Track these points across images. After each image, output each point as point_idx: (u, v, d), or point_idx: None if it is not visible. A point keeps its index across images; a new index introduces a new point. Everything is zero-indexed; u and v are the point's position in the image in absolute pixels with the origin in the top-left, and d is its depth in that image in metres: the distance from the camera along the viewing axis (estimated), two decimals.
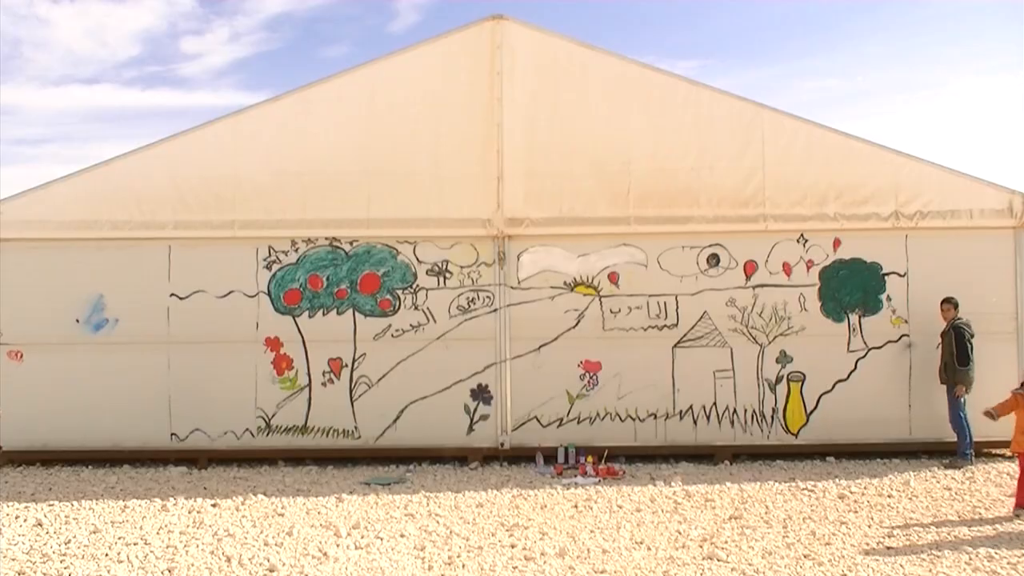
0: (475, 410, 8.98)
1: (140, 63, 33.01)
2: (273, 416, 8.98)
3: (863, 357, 8.96)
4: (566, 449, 8.67)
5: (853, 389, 8.91)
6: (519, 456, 8.84)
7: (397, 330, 8.98)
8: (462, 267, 9.01)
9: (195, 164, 8.99)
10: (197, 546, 5.98)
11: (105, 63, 33.53)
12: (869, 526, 6.32)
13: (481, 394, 8.97)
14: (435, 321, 8.97)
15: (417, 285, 9.01)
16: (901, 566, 5.37)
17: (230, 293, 8.99)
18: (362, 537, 6.17)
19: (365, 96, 9.05)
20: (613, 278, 9.01)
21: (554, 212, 8.97)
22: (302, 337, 8.99)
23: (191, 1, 31.05)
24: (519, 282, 9.00)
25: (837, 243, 9.00)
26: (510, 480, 8.18)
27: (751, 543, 5.88)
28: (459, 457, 8.96)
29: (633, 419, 8.92)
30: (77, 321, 8.94)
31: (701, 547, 5.81)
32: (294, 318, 9.02)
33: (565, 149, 8.99)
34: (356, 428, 8.97)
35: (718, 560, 5.51)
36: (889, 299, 9.00)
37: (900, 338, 8.95)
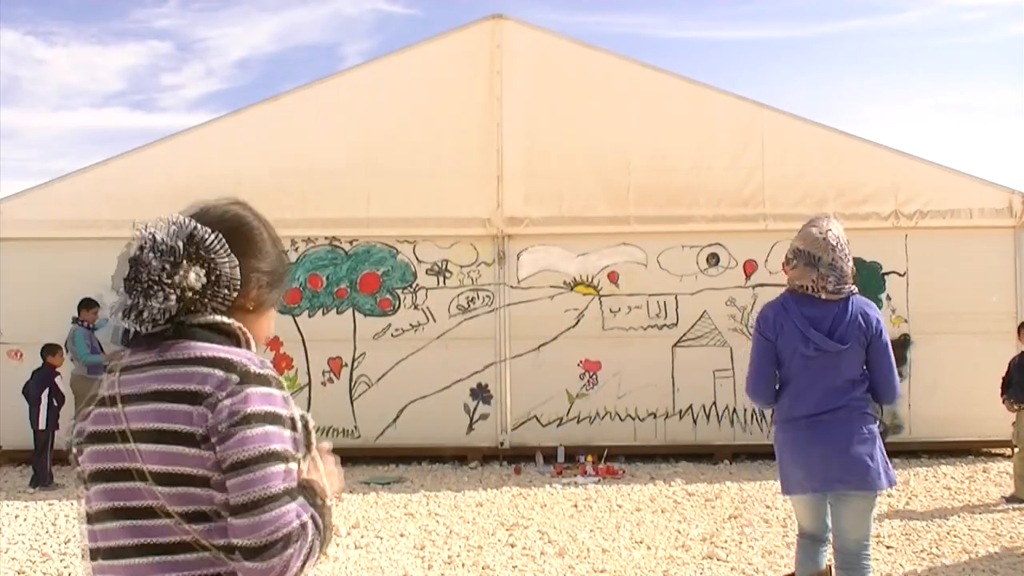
0: (475, 409, 8.98)
1: (124, 94, 36.36)
2: None
3: None
4: (565, 448, 8.68)
5: None
6: (519, 455, 8.84)
7: (397, 329, 8.98)
8: (462, 266, 9.02)
9: (194, 163, 8.99)
10: None
11: (95, 95, 36.88)
12: None
13: (481, 393, 8.97)
14: (435, 320, 8.98)
15: (417, 284, 9.01)
16: (901, 566, 5.37)
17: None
18: (362, 536, 6.17)
19: (365, 96, 9.05)
20: (613, 277, 9.01)
21: (554, 211, 8.97)
22: (302, 336, 8.99)
23: (169, 46, 34.15)
24: (519, 281, 9.00)
25: None
26: (510, 479, 8.18)
27: (751, 543, 5.88)
28: (459, 456, 8.96)
29: (633, 418, 8.92)
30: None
31: (701, 546, 5.82)
32: (294, 317, 9.02)
33: (565, 148, 8.98)
34: (356, 427, 8.97)
35: (718, 560, 5.51)
36: (889, 298, 8.99)
37: (899, 337, 8.95)
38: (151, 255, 1.51)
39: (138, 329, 1.50)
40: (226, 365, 1.48)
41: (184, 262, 1.52)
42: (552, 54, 9.08)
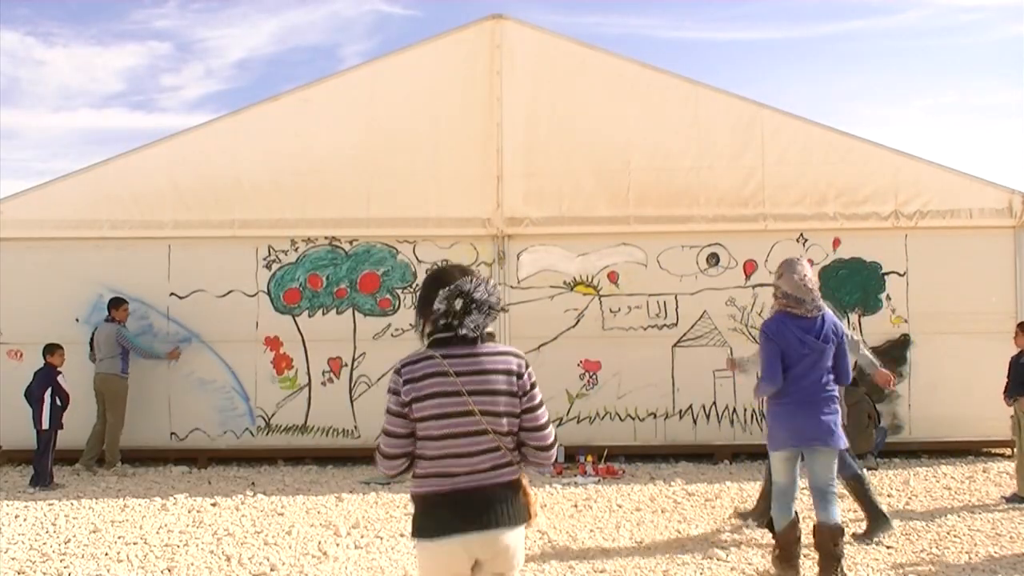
0: None
1: (124, 95, 37.66)
2: (273, 415, 8.98)
3: None
4: (565, 448, 8.67)
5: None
6: None
7: (397, 329, 8.98)
8: None
9: (194, 163, 9.00)
10: (197, 545, 5.98)
11: (95, 96, 37.38)
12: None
13: None
14: None
15: (417, 285, 9.01)
16: (901, 566, 5.37)
17: (230, 292, 8.99)
18: (362, 536, 6.17)
19: (365, 96, 9.05)
20: (612, 277, 9.01)
21: (554, 211, 8.97)
22: (302, 336, 9.00)
23: (168, 46, 35.58)
24: (519, 282, 9.00)
25: (837, 242, 9.00)
26: None
27: (751, 542, 5.88)
28: None
29: (633, 418, 8.92)
30: (77, 320, 8.94)
31: (701, 546, 5.82)
32: (294, 317, 9.03)
33: (565, 148, 8.98)
34: (356, 427, 8.97)
35: (718, 560, 5.51)
36: (889, 298, 9.00)
37: (900, 337, 8.95)
38: (487, 295, 2.79)
39: (469, 334, 2.76)
40: (519, 355, 2.85)
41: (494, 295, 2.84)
42: (552, 54, 9.08)
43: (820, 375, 4.86)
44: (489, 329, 2.84)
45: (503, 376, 2.78)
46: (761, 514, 5.95)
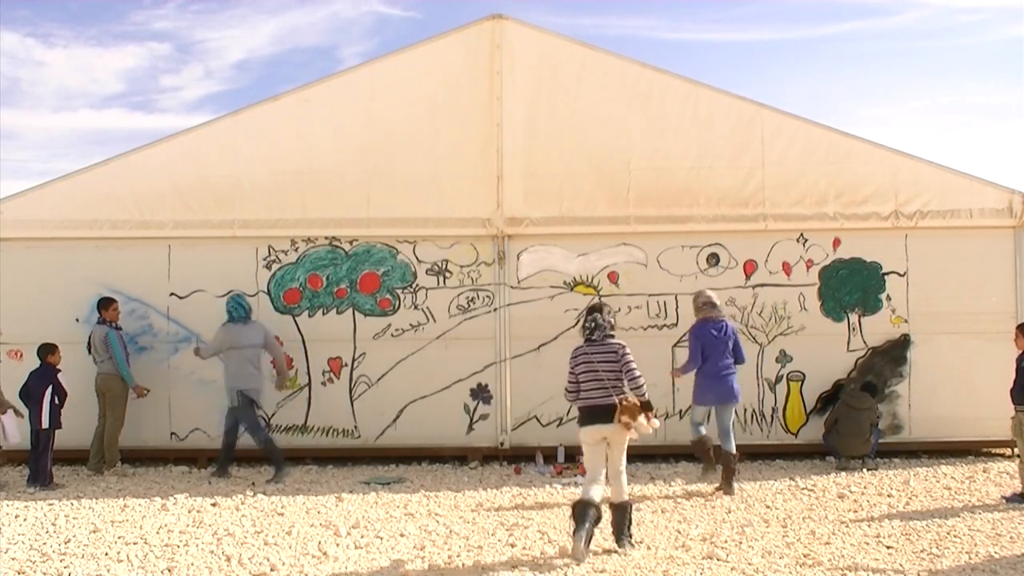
0: (475, 409, 8.98)
1: (123, 96, 37.90)
2: (273, 415, 8.99)
3: (863, 357, 8.97)
4: (565, 448, 8.67)
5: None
6: (519, 455, 8.84)
7: (397, 329, 8.98)
8: (462, 266, 9.02)
9: (195, 163, 9.00)
10: (197, 545, 5.98)
11: (95, 96, 37.66)
12: (869, 526, 6.32)
13: (481, 393, 8.98)
14: (435, 320, 8.98)
15: (417, 284, 9.02)
16: (901, 566, 5.37)
17: (230, 293, 8.99)
18: (362, 536, 6.17)
19: (365, 96, 9.05)
20: (613, 277, 9.01)
21: (554, 211, 8.97)
22: (302, 336, 9.00)
23: (168, 47, 35.69)
24: (519, 282, 9.00)
25: (837, 242, 9.00)
26: (510, 479, 8.18)
27: (751, 543, 5.88)
28: (459, 456, 8.96)
29: None
30: (77, 320, 8.94)
31: (701, 546, 5.81)
32: (294, 317, 9.03)
33: (565, 148, 8.98)
34: (356, 427, 8.97)
35: (718, 560, 5.51)
36: (889, 298, 9.00)
37: (900, 337, 8.95)
38: (606, 324, 5.89)
39: (597, 339, 5.86)
40: (622, 344, 5.86)
41: (611, 317, 6.01)
42: (552, 54, 9.08)
43: (725, 357, 7.61)
44: (611, 332, 5.85)
45: (612, 354, 5.76)
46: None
